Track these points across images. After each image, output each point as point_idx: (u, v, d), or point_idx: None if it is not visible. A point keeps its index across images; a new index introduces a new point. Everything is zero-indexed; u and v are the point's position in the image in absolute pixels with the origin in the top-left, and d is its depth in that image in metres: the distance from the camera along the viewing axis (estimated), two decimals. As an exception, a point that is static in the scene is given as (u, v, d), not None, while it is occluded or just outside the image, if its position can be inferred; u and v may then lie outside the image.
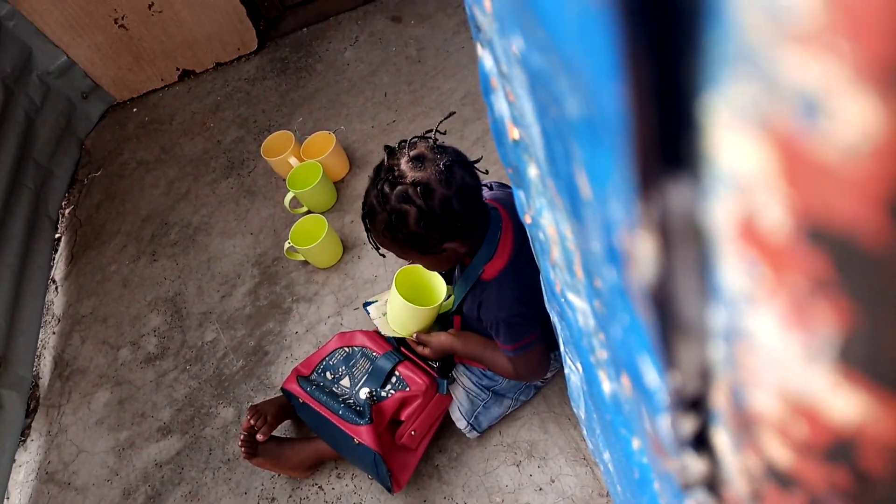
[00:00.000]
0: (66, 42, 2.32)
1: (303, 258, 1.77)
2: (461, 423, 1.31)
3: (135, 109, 2.55)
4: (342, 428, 1.27)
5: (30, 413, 1.83)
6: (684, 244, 0.15)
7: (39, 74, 2.35)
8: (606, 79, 0.14)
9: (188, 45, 2.42)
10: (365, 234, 1.75)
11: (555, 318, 0.63)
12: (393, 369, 1.31)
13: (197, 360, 1.74)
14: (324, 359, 1.41)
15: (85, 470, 1.66)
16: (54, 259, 2.19)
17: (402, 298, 1.22)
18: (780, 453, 0.18)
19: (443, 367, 1.32)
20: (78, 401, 1.80)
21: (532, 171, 0.34)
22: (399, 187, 0.96)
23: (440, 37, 2.19)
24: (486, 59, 0.35)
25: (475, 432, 1.32)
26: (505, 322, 1.08)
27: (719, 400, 0.19)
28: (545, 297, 0.69)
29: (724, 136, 0.13)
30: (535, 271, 0.99)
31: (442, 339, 1.26)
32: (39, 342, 1.97)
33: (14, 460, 1.75)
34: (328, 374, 1.38)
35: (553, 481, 1.26)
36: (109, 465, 1.65)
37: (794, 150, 0.11)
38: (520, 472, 1.29)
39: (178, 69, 2.50)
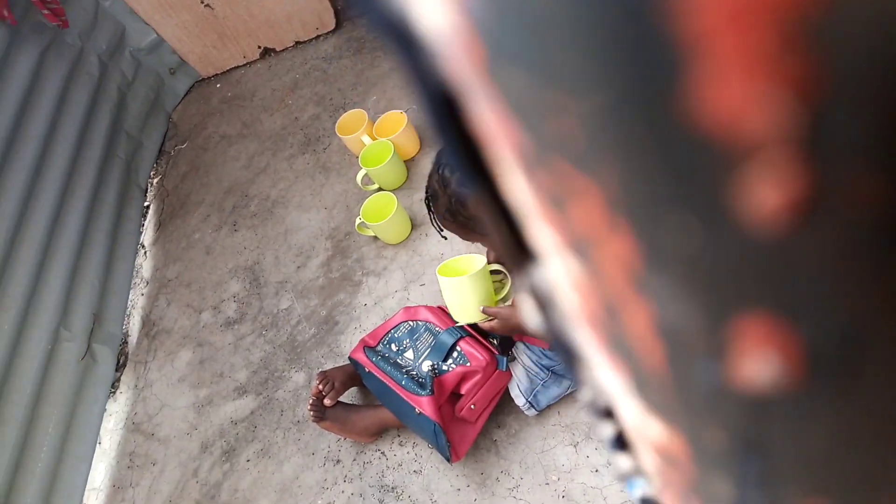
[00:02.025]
0: (156, 21, 2.44)
1: (373, 234, 1.84)
2: (520, 401, 1.35)
3: (218, 85, 2.67)
4: (404, 398, 1.33)
5: (119, 367, 1.98)
6: (549, 307, 0.20)
7: (131, 51, 2.48)
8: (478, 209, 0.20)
9: (269, 24, 2.51)
10: (432, 213, 1.82)
11: None
12: (454, 344, 1.36)
13: (272, 326, 1.84)
14: (389, 331, 1.48)
15: (167, 423, 1.80)
16: (143, 225, 2.33)
17: (444, 277, 1.24)
18: (654, 461, 0.22)
19: (503, 344, 1.36)
20: (162, 358, 1.93)
21: None
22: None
23: (514, 18, 2.19)
24: None
25: (534, 410, 1.36)
26: None
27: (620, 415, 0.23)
28: None
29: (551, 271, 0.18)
30: None
31: (512, 311, 1.27)
32: (129, 302, 2.12)
33: (105, 409, 1.90)
34: (393, 345, 1.45)
35: (610, 464, 1.29)
36: (189, 420, 1.77)
37: (578, 286, 0.18)
38: (577, 453, 1.33)
39: (259, 47, 2.60)
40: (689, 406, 0.17)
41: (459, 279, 1.24)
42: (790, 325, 0.14)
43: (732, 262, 0.13)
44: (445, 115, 0.16)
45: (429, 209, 1.10)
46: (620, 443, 0.26)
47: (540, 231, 0.17)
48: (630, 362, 0.17)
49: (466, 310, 1.29)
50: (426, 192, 1.08)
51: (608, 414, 0.25)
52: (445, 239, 1.19)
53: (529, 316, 0.22)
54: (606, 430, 0.26)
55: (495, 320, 1.27)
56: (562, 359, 0.23)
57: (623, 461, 0.28)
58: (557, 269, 0.17)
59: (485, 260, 1.29)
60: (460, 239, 1.20)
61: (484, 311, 1.27)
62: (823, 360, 0.14)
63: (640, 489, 0.30)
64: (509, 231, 0.19)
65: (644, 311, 0.15)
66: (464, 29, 0.13)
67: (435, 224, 1.11)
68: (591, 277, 0.16)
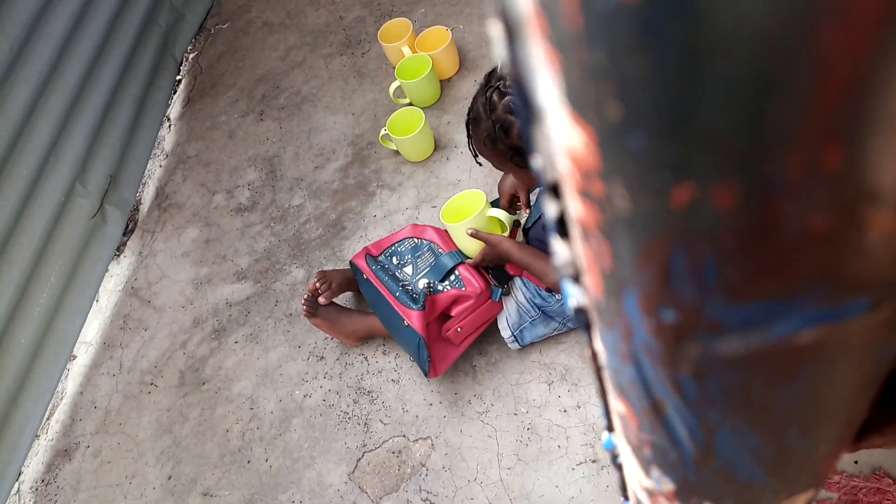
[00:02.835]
0: None
1: (395, 147, 1.83)
2: (505, 333, 1.37)
3: (270, -30, 2.61)
4: (396, 308, 1.35)
5: (127, 232, 2.02)
6: (516, 31, 0.22)
7: (189, -82, 2.43)
8: None
9: (332, -85, 2.43)
10: (458, 137, 1.80)
11: None
12: (454, 268, 1.37)
13: (281, 220, 1.86)
14: (393, 244, 1.49)
15: (165, 293, 1.84)
16: (172, 98, 2.33)
17: (449, 222, 1.34)
18: (576, 207, 0.24)
19: (500, 276, 1.37)
20: (170, 231, 1.96)
21: None
22: (508, 97, 0.97)
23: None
24: None
25: (517, 344, 1.38)
26: None
27: (564, 187, 0.25)
28: None
29: None
30: None
31: (501, 238, 1.28)
32: (146, 171, 2.14)
33: (107, 270, 1.95)
34: (394, 258, 1.46)
35: (579, 407, 1.32)
36: (186, 295, 1.81)
37: None
38: (549, 391, 1.35)
39: (317, -62, 2.52)
40: (596, 70, 0.19)
41: (459, 224, 1.31)
42: None
43: None
44: None
45: (468, 132, 1.09)
46: (561, 228, 0.28)
47: None
48: (557, 42, 0.19)
49: (468, 251, 1.38)
50: (468, 115, 1.07)
51: (555, 191, 0.26)
52: (480, 165, 1.19)
53: (498, 46, 0.24)
54: (552, 209, 0.28)
55: (485, 248, 1.30)
56: (523, 116, 0.25)
57: (562, 249, 0.29)
58: None
59: (484, 200, 1.31)
60: (480, 168, 1.19)
61: (474, 235, 1.29)
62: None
63: (574, 299, 0.32)
64: None
65: None
66: None
67: (472, 148, 1.10)
68: None
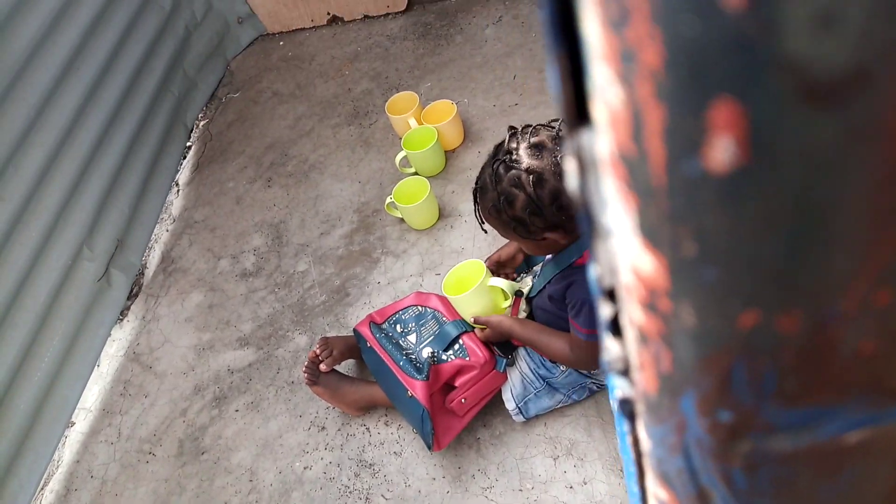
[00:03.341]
0: (235, -32, 2.48)
1: (400, 216, 1.85)
2: (510, 405, 1.35)
3: (281, 42, 2.70)
4: (399, 378, 1.34)
5: (131, 296, 2.02)
6: (589, 167, 0.26)
7: (205, -7, 2.52)
8: (552, 69, 0.25)
9: (342, -8, 2.53)
10: (462, 206, 1.83)
11: None
12: (458, 337, 1.37)
13: (285, 286, 1.86)
14: (398, 312, 1.49)
15: (166, 359, 1.83)
16: (181, 164, 2.37)
17: (450, 294, 1.38)
18: (638, 315, 0.27)
19: (504, 346, 1.37)
20: (174, 296, 1.97)
21: None
22: (513, 171, 1.00)
23: (582, 32, 2.19)
24: None
25: (521, 417, 1.36)
26: (591, 305, 1.11)
27: (619, 289, 0.28)
28: None
29: (595, 105, 0.23)
30: None
31: (501, 319, 1.31)
32: (153, 236, 2.16)
33: (110, 334, 1.94)
34: (398, 326, 1.46)
35: (585, 483, 1.29)
36: (188, 361, 1.80)
37: (610, 111, 0.22)
38: (555, 466, 1.33)
39: (328, 14, 2.62)
40: (675, 215, 0.22)
41: (461, 296, 1.34)
42: (743, 110, 0.18)
43: (717, 45, 0.17)
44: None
45: (475, 200, 1.11)
46: (614, 328, 0.31)
47: (597, 70, 0.22)
48: (638, 190, 0.22)
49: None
50: (475, 184, 1.10)
51: (611, 295, 0.29)
52: (486, 232, 1.21)
53: (570, 178, 0.27)
54: (606, 311, 0.31)
55: (487, 329, 1.31)
56: (586, 232, 0.28)
57: (613, 346, 0.32)
58: (601, 118, 0.23)
59: (484, 270, 1.34)
60: (486, 235, 1.21)
61: (475, 321, 1.32)
62: (762, 143, 0.19)
63: (620, 390, 0.34)
64: (574, 95, 0.25)
65: (658, 116, 0.20)
66: None
67: (477, 215, 1.13)
68: (626, 96, 0.21)
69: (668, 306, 0.25)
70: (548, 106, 2.01)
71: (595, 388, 1.38)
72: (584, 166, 0.26)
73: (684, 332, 0.25)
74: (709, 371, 0.26)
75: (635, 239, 0.24)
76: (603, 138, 0.23)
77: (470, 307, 1.36)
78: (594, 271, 0.29)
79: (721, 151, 0.19)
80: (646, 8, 0.18)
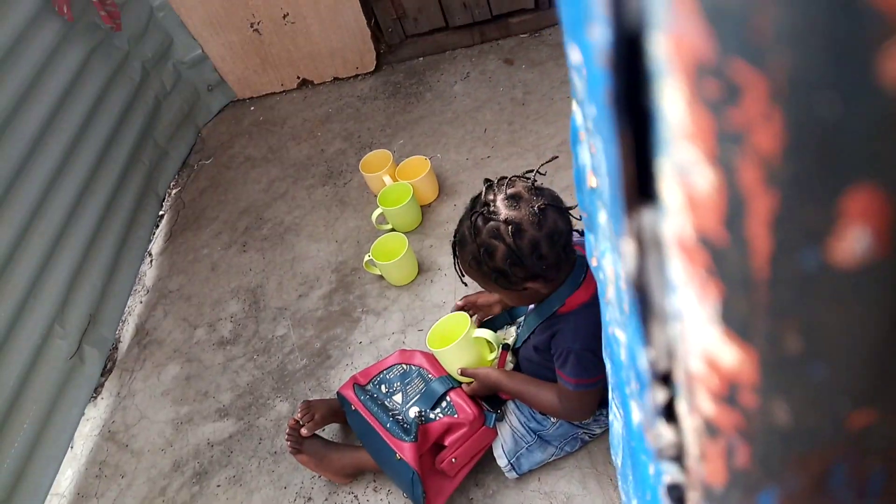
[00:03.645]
0: (204, 37, 2.51)
1: (379, 273, 1.83)
2: (502, 462, 1.31)
3: (252, 108, 2.72)
4: (387, 441, 1.30)
5: (105, 373, 1.96)
6: (651, 248, 0.23)
7: (175, 63, 2.54)
8: (608, 134, 0.23)
9: (312, 56, 2.56)
10: (441, 260, 1.81)
11: (607, 363, 0.65)
12: (445, 394, 1.33)
13: (264, 352, 1.82)
14: (381, 372, 1.45)
15: (143, 435, 1.76)
16: (154, 234, 2.34)
17: (436, 348, 1.34)
18: (708, 406, 0.24)
19: (493, 401, 1.33)
20: (150, 369, 1.91)
21: (602, 217, 0.38)
22: (491, 223, 0.99)
23: (547, 84, 2.23)
24: (578, 115, 0.40)
25: (514, 473, 1.32)
26: (576, 354, 1.09)
27: (679, 374, 0.26)
28: (602, 344, 0.71)
29: (665, 184, 0.21)
30: None
31: (488, 371, 1.29)
32: (126, 308, 2.11)
33: (83, 413, 1.87)
34: (383, 387, 1.42)
35: (585, 539, 1.25)
36: (166, 436, 1.73)
37: (687, 190, 0.20)
38: (552, 524, 1.28)
39: (298, 77, 2.65)
40: (777, 308, 0.19)
41: (446, 349, 1.31)
42: (887, 197, 0.16)
43: (864, 128, 0.15)
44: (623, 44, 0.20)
45: (454, 253, 1.10)
46: (668, 413, 0.29)
47: (678, 150, 0.20)
48: (726, 278, 0.20)
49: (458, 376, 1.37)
50: (454, 236, 1.09)
51: (664, 379, 0.27)
52: (465, 285, 1.20)
53: (627, 260, 0.25)
54: (660, 396, 0.28)
55: (474, 383, 1.29)
56: (636, 315, 0.25)
57: (667, 432, 0.30)
58: (674, 200, 0.21)
59: (468, 322, 1.32)
60: (467, 287, 1.20)
61: (462, 373, 1.30)
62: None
63: (669, 475, 0.31)
64: (635, 171, 0.23)
65: (767, 204, 0.18)
66: None
67: (457, 269, 1.11)
68: (721, 180, 0.19)
69: (753, 401, 0.22)
70: (519, 157, 2.03)
71: (587, 438, 1.35)
72: (644, 247, 0.24)
73: (774, 429, 0.23)
74: (801, 470, 0.23)
75: (714, 328, 0.22)
76: (675, 220, 0.21)
77: (455, 360, 1.33)
78: (648, 354, 0.27)
79: (852, 243, 0.17)
80: (764, 86, 0.16)
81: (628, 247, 0.24)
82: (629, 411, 0.41)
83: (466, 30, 2.46)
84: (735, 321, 0.21)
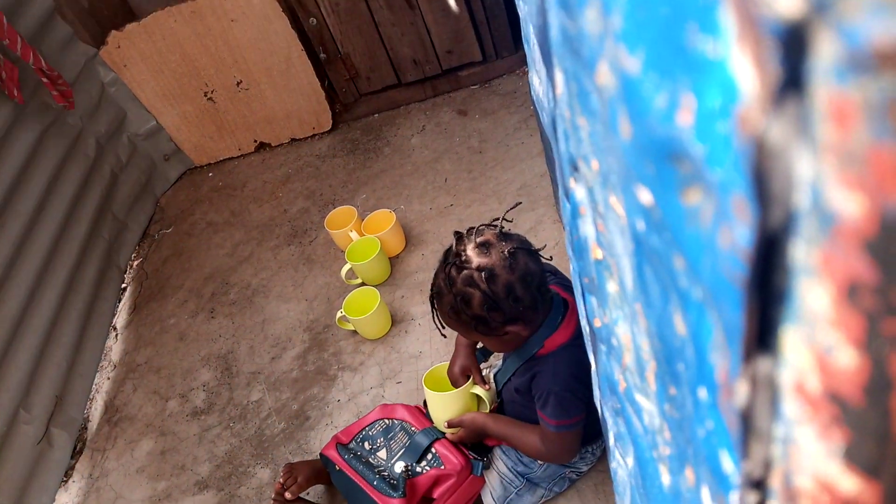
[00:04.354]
0: (157, 109, 2.52)
1: (353, 328, 1.83)
2: (492, 509, 1.31)
3: (210, 174, 2.72)
4: (375, 499, 1.28)
5: (75, 454, 1.89)
6: (765, 389, 0.24)
7: (129, 136, 2.54)
8: (732, 306, 0.23)
9: (268, 120, 2.59)
10: (414, 310, 1.82)
11: (607, 414, 0.66)
12: (430, 446, 1.33)
13: (241, 419, 1.78)
14: (364, 428, 1.44)
15: (120, 516, 1.70)
16: (118, 307, 2.30)
17: (432, 390, 1.34)
18: None
19: (479, 448, 1.33)
20: (122, 447, 1.85)
21: (611, 287, 0.40)
22: (465, 271, 1.01)
23: (502, 131, 2.30)
24: (579, 191, 0.41)
25: (506, 519, 1.31)
26: (557, 395, 1.10)
27: (775, 482, 0.26)
28: (599, 393, 0.72)
29: (789, 344, 0.22)
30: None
31: (474, 417, 1.30)
32: (94, 386, 2.05)
33: (54, 501, 1.80)
34: (366, 443, 1.41)
35: (582, 579, 1.24)
36: (144, 514, 1.68)
37: (819, 358, 0.20)
38: (549, 566, 1.27)
39: (255, 141, 2.67)
40: None
41: (443, 395, 1.32)
42: None
43: None
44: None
45: (432, 306, 1.11)
46: None
47: (819, 332, 0.20)
48: (856, 429, 0.21)
49: (442, 418, 1.36)
50: (431, 290, 1.10)
51: (757, 485, 0.27)
52: (445, 337, 1.21)
53: (739, 397, 0.25)
54: (750, 498, 0.28)
55: (461, 430, 1.29)
56: (739, 433, 0.26)
57: None
58: (801, 360, 0.22)
59: (470, 379, 1.33)
60: (443, 337, 1.21)
61: (449, 425, 1.30)
62: None
63: None
64: (757, 330, 0.23)
65: None
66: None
67: (437, 321, 1.13)
68: (866, 363, 0.19)
69: None
70: (481, 203, 2.07)
71: (575, 476, 1.35)
72: (756, 386, 0.24)
73: None
74: None
75: (835, 462, 0.22)
76: (799, 375, 0.22)
77: (447, 409, 1.33)
78: (745, 466, 0.27)
79: None
80: None
81: (742, 388, 0.25)
82: (655, 472, 0.41)
83: (418, 85, 2.53)
84: (862, 460, 0.21)
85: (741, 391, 0.24)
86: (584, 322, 0.72)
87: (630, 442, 0.50)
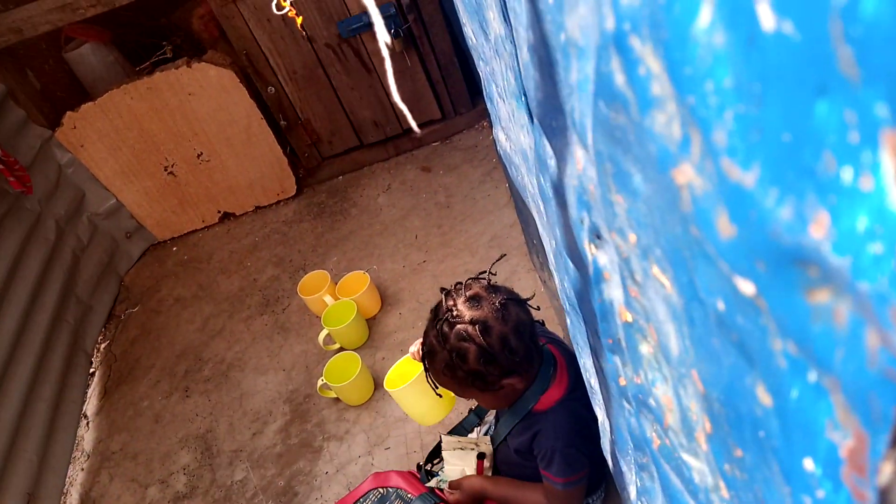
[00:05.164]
0: (117, 187, 2.49)
1: (335, 395, 1.79)
2: (497, 569, 1.27)
3: (175, 248, 2.68)
4: (379, 574, 1.24)
5: (49, 555, 1.79)
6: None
7: (89, 216, 2.50)
8: (885, 399, 0.21)
9: (231, 190, 2.58)
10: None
11: (625, 468, 0.66)
12: (429, 512, 1.29)
13: (226, 501, 1.72)
14: (357, 500, 1.40)
15: None
16: (87, 394, 2.21)
17: (390, 389, 1.35)
18: None
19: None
20: (100, 542, 1.76)
21: (645, 349, 0.40)
22: (458, 326, 1.01)
23: (467, 185, 2.32)
24: (602, 258, 0.42)
25: (512, 579, 1.28)
26: (561, 452, 1.09)
27: None
28: (611, 447, 0.72)
29: None
30: (588, 411, 1.02)
31: (472, 480, 1.28)
32: (67, 479, 1.96)
33: None
34: (362, 516, 1.37)
35: None
36: None
37: None
38: None
39: (219, 212, 2.65)
40: None
41: (403, 387, 1.33)
42: None
43: None
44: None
45: (425, 367, 1.10)
46: None
47: None
48: None
49: (426, 414, 1.37)
50: (422, 349, 1.09)
51: None
52: (440, 396, 1.19)
53: (882, 478, 0.24)
54: None
55: (457, 493, 1.27)
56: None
57: None
58: None
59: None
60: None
61: (450, 487, 1.28)
62: None
63: None
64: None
65: None
66: None
67: (430, 381, 1.11)
68: None
69: None
70: (454, 257, 2.08)
71: (577, 529, 1.33)
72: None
73: None
74: None
75: None
76: None
77: (414, 401, 1.34)
78: None
79: None
80: None
81: (887, 468, 0.25)
82: None
83: (380, 145, 2.55)
84: None
85: (886, 471, 0.25)
86: (592, 378, 0.72)
87: (662, 496, 0.50)
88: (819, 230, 0.19)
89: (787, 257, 0.21)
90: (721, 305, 0.27)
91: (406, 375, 1.40)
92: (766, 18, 0.19)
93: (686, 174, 0.25)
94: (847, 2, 0.16)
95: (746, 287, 0.24)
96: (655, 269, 0.33)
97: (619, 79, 0.28)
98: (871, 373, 0.20)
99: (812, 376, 0.23)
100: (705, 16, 0.21)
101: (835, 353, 0.21)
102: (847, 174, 0.18)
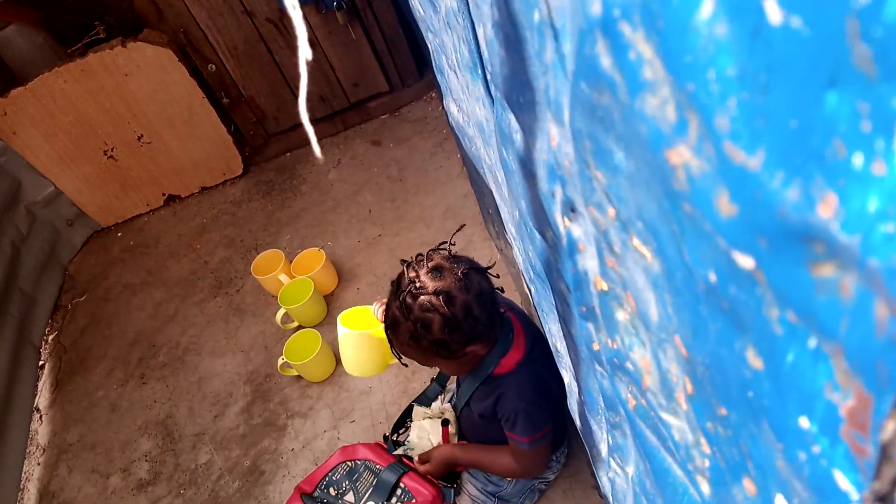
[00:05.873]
0: (54, 174, 2.40)
1: (296, 373, 1.79)
2: (468, 534, 1.31)
3: (119, 234, 2.60)
4: (352, 544, 1.26)
5: (10, 552, 1.76)
6: None
7: (27, 205, 2.40)
8: (892, 364, 0.21)
9: (175, 171, 2.51)
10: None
11: (595, 427, 0.68)
12: (398, 481, 1.32)
13: (191, 484, 1.71)
14: (326, 474, 1.42)
15: None
16: (38, 387, 2.15)
17: (345, 327, 1.32)
18: None
19: (448, 475, 1.33)
20: (63, 535, 1.73)
21: (621, 316, 0.41)
22: (422, 297, 1.02)
23: (419, 157, 2.32)
24: (576, 230, 0.43)
25: (483, 541, 1.32)
26: (525, 412, 1.12)
27: None
28: (578, 407, 0.74)
29: None
30: (548, 370, 1.05)
31: (441, 450, 1.30)
32: (23, 475, 1.91)
33: None
34: (332, 489, 1.38)
35: (565, 587, 1.26)
36: None
37: None
38: (530, 580, 1.29)
39: (163, 194, 2.58)
40: None
41: (359, 334, 1.30)
42: None
43: None
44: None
45: (388, 339, 1.11)
46: None
47: None
48: None
49: (361, 365, 1.35)
50: (385, 321, 1.10)
51: (882, 499, 0.28)
52: (406, 367, 1.20)
53: (885, 434, 0.25)
54: None
55: (428, 464, 1.29)
56: (865, 459, 0.27)
57: None
58: None
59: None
60: (390, 369, 1.21)
61: (419, 459, 1.30)
62: None
63: None
64: None
65: None
66: None
67: (395, 352, 1.12)
68: None
69: None
70: (409, 230, 2.09)
71: (544, 487, 1.38)
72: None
73: None
74: None
75: None
76: None
77: (363, 349, 1.32)
78: (874, 486, 0.28)
79: None
80: None
81: (890, 425, 0.25)
82: (692, 482, 0.42)
83: (328, 120, 2.52)
84: None
85: (889, 428, 0.25)
86: (559, 343, 0.74)
87: (637, 453, 0.52)
88: (827, 210, 0.19)
89: (791, 235, 0.21)
90: (713, 277, 0.27)
91: (359, 324, 1.38)
92: (773, 12, 0.18)
93: (682, 155, 0.25)
94: (868, 3, 0.16)
95: (745, 261, 0.25)
96: (636, 241, 0.33)
97: (606, 62, 0.28)
98: (878, 340, 0.21)
99: (812, 342, 0.24)
100: (707, 7, 0.21)
101: (840, 323, 0.22)
102: (858, 160, 0.18)
